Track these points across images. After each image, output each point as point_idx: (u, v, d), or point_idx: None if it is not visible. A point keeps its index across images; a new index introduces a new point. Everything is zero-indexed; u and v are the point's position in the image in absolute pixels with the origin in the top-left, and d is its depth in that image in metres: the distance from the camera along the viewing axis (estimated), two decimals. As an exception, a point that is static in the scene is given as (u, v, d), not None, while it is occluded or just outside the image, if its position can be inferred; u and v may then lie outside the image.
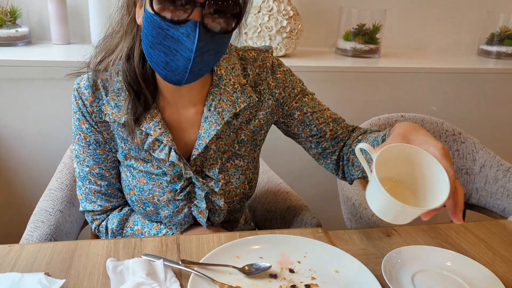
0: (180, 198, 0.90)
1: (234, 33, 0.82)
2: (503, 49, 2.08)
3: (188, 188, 0.91)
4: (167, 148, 0.87)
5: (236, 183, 0.95)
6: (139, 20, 0.81)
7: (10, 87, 1.58)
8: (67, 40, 1.86)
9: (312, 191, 1.78)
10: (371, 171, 0.66)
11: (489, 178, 1.45)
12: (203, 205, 0.91)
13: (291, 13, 1.76)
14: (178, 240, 0.81)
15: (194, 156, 0.89)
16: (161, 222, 0.97)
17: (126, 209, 0.98)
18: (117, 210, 0.98)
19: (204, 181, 0.90)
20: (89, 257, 0.75)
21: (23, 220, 1.33)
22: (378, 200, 0.67)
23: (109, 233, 0.96)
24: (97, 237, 1.10)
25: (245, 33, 1.77)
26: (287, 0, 1.77)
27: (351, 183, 1.03)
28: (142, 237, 0.83)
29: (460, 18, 2.20)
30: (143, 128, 0.86)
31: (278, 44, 1.77)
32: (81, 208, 0.98)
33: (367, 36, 1.93)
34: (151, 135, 0.86)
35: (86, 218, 0.99)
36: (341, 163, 1.01)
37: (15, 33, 1.76)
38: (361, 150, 0.72)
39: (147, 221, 0.97)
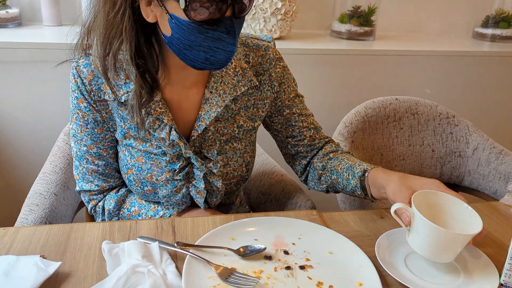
0: (178, 178, 0.90)
1: None
2: (497, 31, 2.08)
3: (186, 168, 0.91)
4: (167, 127, 0.87)
5: (234, 165, 0.95)
6: (152, 18, 0.79)
7: (1, 69, 1.56)
8: (59, 22, 1.83)
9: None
10: (409, 223, 0.73)
11: (482, 160, 1.46)
12: (201, 185, 0.91)
13: (286, -6, 1.74)
14: (173, 223, 0.82)
15: (193, 137, 0.90)
16: (158, 203, 0.97)
17: (123, 190, 0.98)
18: (114, 191, 0.98)
19: (202, 161, 0.91)
20: (84, 240, 0.76)
21: (17, 204, 1.33)
22: (435, 241, 0.70)
23: (106, 213, 0.97)
24: (92, 218, 1.10)
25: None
26: (281, -19, 1.75)
27: (309, 189, 1.08)
28: (137, 220, 0.83)
29: (455, 0, 2.19)
30: (145, 107, 0.86)
31: (272, 26, 1.76)
32: (77, 188, 0.98)
33: (362, 19, 1.92)
34: (152, 114, 0.86)
35: (82, 199, 0.99)
36: (308, 168, 1.05)
37: (5, 14, 1.73)
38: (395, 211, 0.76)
39: (144, 202, 0.97)
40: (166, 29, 0.78)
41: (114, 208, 0.96)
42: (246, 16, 1.56)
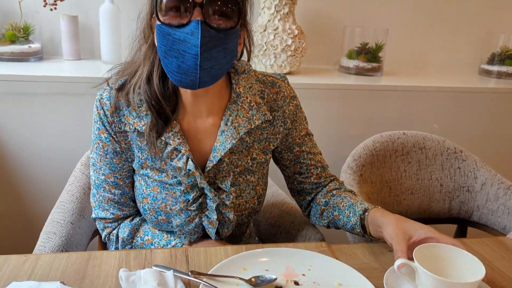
0: (192, 208, 0.93)
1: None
2: (503, 68, 2.12)
3: (200, 199, 0.94)
4: (184, 157, 0.91)
5: (247, 197, 0.98)
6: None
7: (23, 101, 1.62)
8: (78, 56, 1.91)
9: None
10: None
11: (490, 196, 1.47)
12: (214, 216, 0.94)
13: (296, 32, 1.81)
14: (187, 252, 0.84)
15: (208, 168, 0.93)
16: (170, 233, 1.00)
17: (137, 219, 1.02)
18: (128, 219, 1.01)
19: (216, 192, 0.94)
20: (101, 267, 0.78)
21: (33, 231, 1.35)
22: None
23: (120, 241, 0.99)
24: (104, 246, 1.13)
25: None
26: (292, 19, 1.82)
27: (311, 223, 1.12)
28: (152, 249, 0.86)
29: (461, 37, 2.25)
30: (163, 138, 0.90)
31: (283, 62, 1.82)
32: (93, 215, 1.01)
33: (369, 55, 1.98)
34: (170, 144, 0.91)
35: (97, 226, 1.02)
36: (312, 204, 1.09)
37: (27, 49, 1.81)
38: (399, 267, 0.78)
39: (157, 232, 1.00)
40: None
41: (128, 236, 0.99)
42: (257, 52, 1.62)
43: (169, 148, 0.91)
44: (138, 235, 1.00)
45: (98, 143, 0.96)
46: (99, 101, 0.94)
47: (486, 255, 0.90)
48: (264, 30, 1.79)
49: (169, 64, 0.83)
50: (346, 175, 1.41)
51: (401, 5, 2.14)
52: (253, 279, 0.75)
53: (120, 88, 0.92)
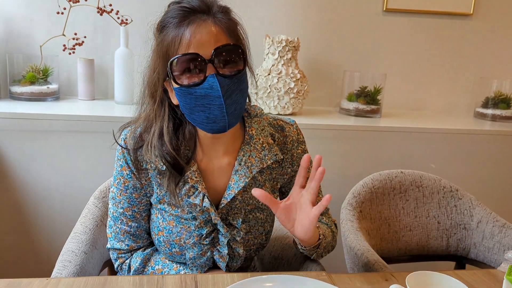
0: (205, 242, 0.99)
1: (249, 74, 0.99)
2: (497, 112, 2.21)
3: (212, 234, 1.01)
4: (201, 194, 0.98)
5: (256, 233, 1.05)
6: (175, 100, 0.95)
7: (39, 138, 1.71)
8: (92, 96, 2.02)
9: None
10: None
11: (486, 233, 1.52)
12: (225, 251, 1.00)
13: (298, 76, 1.92)
14: (196, 278, 0.90)
15: (222, 205, 1.00)
16: (180, 264, 1.05)
17: (149, 249, 1.07)
18: (141, 250, 1.07)
19: (228, 228, 1.00)
20: (117, 290, 0.84)
21: (47, 260, 1.40)
22: None
23: (131, 271, 1.05)
24: (115, 275, 1.18)
25: (256, 93, 1.92)
26: (294, 64, 1.94)
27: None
28: (163, 275, 0.92)
29: (457, 82, 2.36)
30: (183, 176, 0.98)
31: (286, 104, 1.92)
32: (108, 246, 1.07)
33: (368, 98, 2.08)
34: (188, 182, 0.98)
35: (111, 256, 1.08)
36: None
37: (46, 89, 1.93)
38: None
39: (167, 262, 1.05)
40: (177, 102, 0.94)
41: (140, 265, 1.04)
42: (262, 94, 1.72)
43: (187, 186, 0.98)
44: (149, 265, 1.05)
45: (120, 179, 1.03)
46: (124, 140, 1.01)
47: (477, 285, 0.96)
48: (269, 74, 1.91)
49: (196, 118, 0.92)
50: (346, 211, 1.47)
51: (398, 52, 2.27)
52: (258, 304, 0.81)
53: (140, 135, 0.99)
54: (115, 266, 1.09)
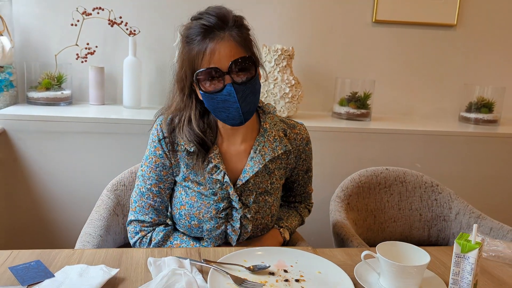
0: (221, 216, 1.16)
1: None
2: (480, 116, 2.36)
3: (227, 210, 1.17)
4: (222, 172, 1.15)
5: (263, 214, 1.21)
6: (200, 96, 1.14)
7: (54, 139, 1.87)
8: (102, 102, 2.18)
9: (307, 227, 1.99)
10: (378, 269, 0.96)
11: (463, 224, 1.67)
12: (237, 225, 1.16)
13: (293, 82, 2.08)
14: (200, 250, 1.05)
15: (238, 185, 1.17)
16: (196, 240, 1.20)
17: (170, 227, 1.23)
18: (162, 225, 1.22)
19: (241, 205, 1.17)
20: (133, 258, 0.99)
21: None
22: (399, 276, 0.92)
23: (152, 243, 1.19)
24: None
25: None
26: (289, 71, 2.10)
27: None
28: (171, 247, 1.06)
29: (442, 88, 2.51)
30: (207, 157, 1.16)
31: (281, 107, 2.08)
32: (132, 218, 1.22)
33: (359, 102, 2.23)
34: (212, 162, 1.15)
35: (132, 229, 1.21)
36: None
37: (60, 95, 2.09)
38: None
39: (185, 238, 1.20)
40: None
41: (161, 239, 1.18)
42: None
43: (210, 165, 1.15)
44: (169, 240, 1.20)
45: (152, 158, 1.19)
46: (160, 125, 1.19)
47: (440, 256, 1.10)
48: (265, 80, 2.07)
49: (219, 116, 1.12)
50: (335, 203, 1.62)
51: (386, 60, 2.43)
52: (251, 267, 0.95)
53: (173, 124, 1.18)
54: (134, 240, 1.22)
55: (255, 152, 1.19)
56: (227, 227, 1.17)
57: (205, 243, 1.19)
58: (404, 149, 2.15)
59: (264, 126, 1.22)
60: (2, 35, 1.99)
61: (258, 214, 1.20)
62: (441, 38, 2.45)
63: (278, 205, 1.28)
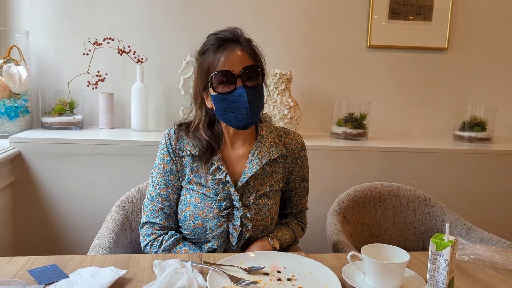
0: (223, 214, 1.26)
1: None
2: (473, 134, 2.44)
3: (229, 209, 1.27)
4: (224, 173, 1.27)
5: (263, 215, 1.31)
6: (209, 105, 1.28)
7: (67, 160, 1.99)
8: (111, 125, 2.30)
9: (305, 242, 2.07)
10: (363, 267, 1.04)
11: (455, 235, 1.74)
12: (238, 223, 1.27)
13: (291, 104, 2.20)
14: (201, 256, 1.15)
15: (238, 186, 1.28)
16: (202, 249, 1.29)
17: (180, 235, 1.32)
18: (173, 231, 1.32)
19: (242, 204, 1.27)
20: (139, 262, 1.09)
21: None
22: (382, 274, 1.00)
23: (162, 246, 1.28)
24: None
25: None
26: (288, 94, 2.22)
27: None
28: (175, 254, 1.16)
29: (436, 109, 2.61)
30: (211, 161, 1.28)
31: (281, 128, 2.19)
32: (144, 220, 1.33)
33: (355, 123, 2.34)
34: (215, 164, 1.27)
35: (145, 232, 1.31)
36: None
37: (72, 119, 2.22)
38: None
39: (193, 246, 1.30)
40: (212, 106, 1.26)
41: (171, 243, 1.28)
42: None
43: (213, 167, 1.27)
44: (178, 245, 1.29)
45: (161, 164, 1.32)
46: (168, 134, 1.33)
47: (424, 259, 1.18)
48: (265, 103, 2.18)
49: (227, 117, 1.25)
50: (331, 216, 1.70)
51: (381, 82, 2.55)
52: (247, 268, 1.05)
53: (183, 129, 1.33)
54: (145, 243, 1.32)
55: (253, 156, 1.31)
56: (229, 226, 1.27)
57: (209, 243, 1.28)
58: (400, 167, 2.23)
59: (261, 133, 1.35)
60: (19, 65, 2.14)
61: (257, 215, 1.30)
62: (433, 61, 2.57)
63: (277, 210, 1.37)
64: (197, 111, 1.32)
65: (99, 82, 2.23)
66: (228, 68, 1.20)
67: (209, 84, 1.23)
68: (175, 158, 1.32)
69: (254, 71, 1.23)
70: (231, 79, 1.20)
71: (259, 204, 1.31)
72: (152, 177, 1.35)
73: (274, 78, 2.18)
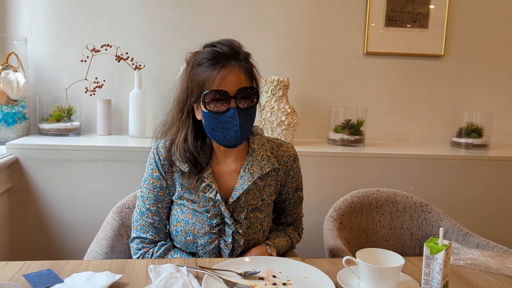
0: (214, 231, 1.24)
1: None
2: (470, 140, 2.45)
3: (220, 226, 1.26)
4: (214, 191, 1.24)
5: (255, 229, 1.30)
6: (199, 116, 1.24)
7: (64, 166, 1.99)
8: (109, 132, 2.31)
9: (301, 248, 2.06)
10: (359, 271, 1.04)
11: (452, 241, 1.74)
12: (229, 239, 1.25)
13: (289, 110, 2.20)
14: (196, 260, 1.14)
15: (229, 202, 1.26)
16: (193, 256, 1.28)
17: (170, 243, 1.31)
18: (163, 241, 1.31)
19: (233, 221, 1.25)
20: (135, 267, 1.08)
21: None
22: (377, 277, 1.00)
23: (154, 256, 1.27)
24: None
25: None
26: (285, 100, 2.23)
27: None
28: (171, 259, 1.15)
29: (432, 115, 2.62)
30: (201, 177, 1.25)
31: (278, 134, 2.19)
32: (134, 235, 1.31)
33: (352, 129, 2.34)
34: (205, 181, 1.25)
35: (135, 246, 1.30)
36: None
37: (69, 126, 2.22)
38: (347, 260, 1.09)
39: (184, 254, 1.28)
40: (201, 118, 1.23)
41: (162, 253, 1.27)
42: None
43: (203, 184, 1.25)
44: (169, 254, 1.28)
45: (150, 180, 1.29)
46: (156, 149, 1.29)
47: (419, 264, 1.18)
48: (263, 109, 2.20)
49: (215, 136, 1.21)
50: (328, 222, 1.71)
51: (378, 89, 2.56)
52: (243, 273, 1.04)
53: (169, 142, 1.28)
54: (136, 257, 1.30)
55: (244, 171, 1.28)
56: (220, 242, 1.26)
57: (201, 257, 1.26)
58: (397, 173, 2.24)
59: (253, 146, 1.31)
60: (17, 71, 2.14)
61: (249, 230, 1.29)
62: (429, 68, 2.58)
63: (269, 221, 1.36)
64: (184, 119, 1.26)
65: (96, 89, 2.24)
66: (223, 88, 1.17)
67: (202, 99, 1.19)
68: (165, 174, 1.28)
69: (249, 92, 1.20)
70: (224, 100, 1.17)
71: (251, 218, 1.30)
72: (141, 191, 1.32)
73: (272, 85, 2.19)
